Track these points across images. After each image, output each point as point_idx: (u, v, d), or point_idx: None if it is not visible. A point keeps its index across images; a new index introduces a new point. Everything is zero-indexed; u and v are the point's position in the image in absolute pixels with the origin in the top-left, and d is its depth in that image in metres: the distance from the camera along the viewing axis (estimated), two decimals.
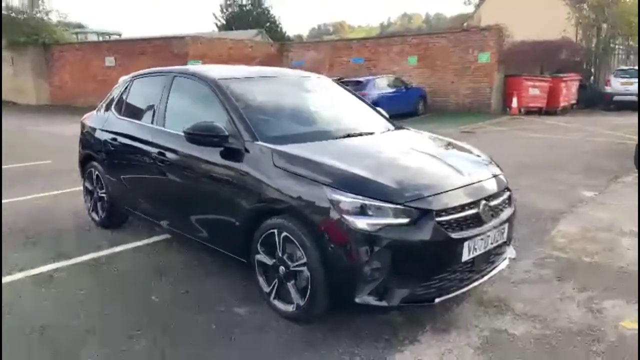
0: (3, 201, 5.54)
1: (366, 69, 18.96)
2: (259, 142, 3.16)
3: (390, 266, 2.65)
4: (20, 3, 24.17)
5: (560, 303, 3.28)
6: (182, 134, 3.37)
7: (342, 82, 14.11)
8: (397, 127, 4.05)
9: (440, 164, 3.13)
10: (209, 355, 2.70)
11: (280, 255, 2.96)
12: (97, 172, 4.65)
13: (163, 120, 3.89)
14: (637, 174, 6.84)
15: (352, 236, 2.64)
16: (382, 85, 15.51)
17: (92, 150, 4.75)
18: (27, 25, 22.95)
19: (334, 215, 2.68)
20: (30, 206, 5.59)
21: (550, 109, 16.75)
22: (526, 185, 6.27)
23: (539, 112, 16.74)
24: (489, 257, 3.07)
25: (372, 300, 2.70)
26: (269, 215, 3.00)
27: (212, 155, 3.33)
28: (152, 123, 3.99)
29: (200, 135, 3.25)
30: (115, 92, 4.74)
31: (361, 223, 2.63)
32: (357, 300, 2.69)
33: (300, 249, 2.82)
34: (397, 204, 2.67)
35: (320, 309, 2.86)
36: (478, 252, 2.91)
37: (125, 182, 4.30)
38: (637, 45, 22.41)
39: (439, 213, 2.73)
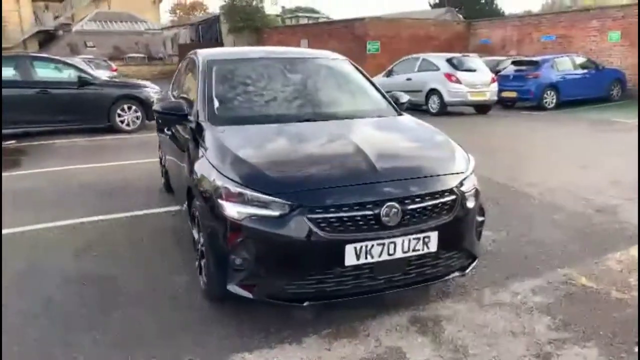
0: None
1: (558, 46, 16.61)
2: (205, 122, 3.30)
3: (256, 258, 2.56)
4: None
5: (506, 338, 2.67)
6: None
7: (516, 63, 13.18)
8: (398, 114, 3.72)
9: (358, 157, 2.80)
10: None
11: (197, 234, 3.07)
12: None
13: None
14: None
15: (224, 222, 2.61)
16: (564, 66, 13.46)
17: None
18: (244, 12, 26.31)
19: (215, 199, 2.68)
20: None
21: None
22: None
23: None
24: (402, 267, 2.67)
25: (240, 291, 2.64)
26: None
27: (185, 131, 3.58)
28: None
29: (164, 114, 3.53)
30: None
31: (231, 210, 2.58)
32: (228, 287, 2.66)
33: (199, 229, 2.89)
34: (267, 194, 2.53)
35: (215, 291, 2.89)
36: (375, 259, 2.57)
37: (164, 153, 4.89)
38: None
39: (314, 209, 2.50)
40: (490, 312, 2.95)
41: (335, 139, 3.07)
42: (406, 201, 2.62)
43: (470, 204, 2.89)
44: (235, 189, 2.59)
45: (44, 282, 3.37)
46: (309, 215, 2.48)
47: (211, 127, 3.22)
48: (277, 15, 31.02)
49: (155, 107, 3.59)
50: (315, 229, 2.48)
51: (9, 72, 9.47)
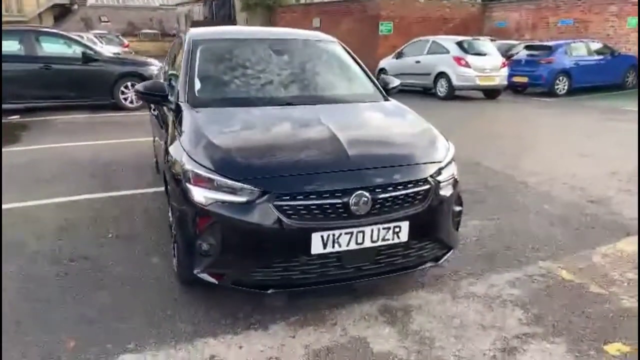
0: None
1: (575, 31, 16.17)
2: (184, 103, 3.25)
3: (222, 244, 2.53)
4: None
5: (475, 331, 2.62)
6: None
7: (528, 47, 12.87)
8: (385, 100, 3.65)
9: (331, 144, 2.73)
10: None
11: (171, 217, 3.06)
12: None
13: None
14: None
15: (192, 207, 2.58)
16: (578, 51, 13.12)
17: None
18: None
19: (184, 183, 2.64)
20: None
21: None
22: None
23: None
24: (371, 257, 2.63)
25: (206, 276, 2.62)
26: None
27: (166, 111, 3.55)
28: None
29: (144, 94, 3.48)
30: None
31: (199, 195, 2.54)
32: (195, 272, 2.64)
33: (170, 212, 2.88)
34: (234, 180, 2.49)
35: (185, 275, 2.88)
36: (343, 248, 2.52)
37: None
38: None
39: (281, 197, 2.45)
40: (463, 304, 2.91)
41: (311, 125, 3.00)
42: (377, 190, 2.55)
43: (446, 193, 2.82)
44: (202, 173, 2.55)
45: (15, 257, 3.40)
46: (275, 202, 2.44)
47: (189, 109, 3.17)
48: None
49: (137, 86, 3.54)
50: (281, 216, 2.43)
51: (14, 47, 9.49)
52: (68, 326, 2.63)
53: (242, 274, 2.57)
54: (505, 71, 12.10)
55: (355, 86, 3.80)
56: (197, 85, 3.42)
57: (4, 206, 4.35)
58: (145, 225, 4.05)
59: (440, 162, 2.85)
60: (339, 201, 2.49)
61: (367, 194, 2.52)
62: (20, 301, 2.88)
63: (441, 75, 12.11)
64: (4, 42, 9.58)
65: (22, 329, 2.60)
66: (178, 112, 3.21)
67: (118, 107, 9.84)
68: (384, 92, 3.77)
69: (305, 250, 2.48)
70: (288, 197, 2.46)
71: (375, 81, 3.83)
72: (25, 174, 5.46)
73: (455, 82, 11.82)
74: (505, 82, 12.23)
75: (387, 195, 2.58)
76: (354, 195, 2.50)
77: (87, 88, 9.72)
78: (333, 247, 2.51)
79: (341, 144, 2.72)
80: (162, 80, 3.65)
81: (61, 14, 40.89)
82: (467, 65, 11.69)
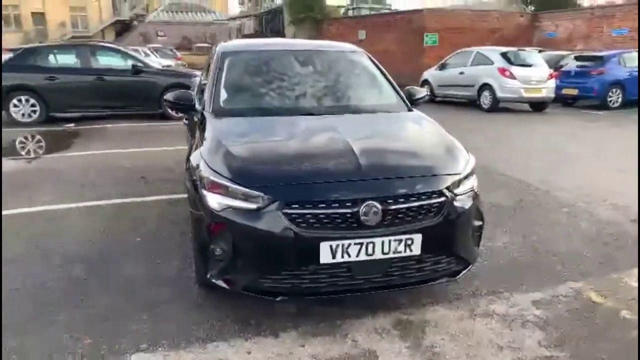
0: None
1: (630, 41, 15.45)
2: (209, 113, 3.36)
3: (234, 250, 2.56)
4: None
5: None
6: None
7: (579, 58, 12.41)
8: (408, 110, 3.63)
9: (344, 154, 2.73)
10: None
11: None
12: None
13: None
14: None
15: (205, 212, 2.64)
16: (633, 62, 12.48)
17: None
18: (304, 3, 26.43)
19: (200, 189, 2.71)
20: None
21: None
22: None
23: None
24: (383, 269, 2.59)
25: (219, 281, 2.67)
26: None
27: (193, 121, 3.67)
28: None
29: (173, 103, 3.61)
30: None
31: (212, 200, 2.60)
32: (208, 276, 2.70)
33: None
34: (245, 187, 2.53)
35: (200, 279, 2.93)
36: (353, 259, 2.51)
37: None
38: None
39: (291, 205, 2.47)
40: (481, 322, 2.81)
41: (327, 135, 3.00)
42: (388, 201, 2.53)
43: (464, 206, 2.74)
44: (216, 180, 2.61)
45: (40, 263, 3.57)
46: (285, 210, 2.46)
47: (212, 118, 3.27)
48: (339, 7, 30.88)
49: (167, 96, 3.68)
50: (290, 225, 2.45)
51: (70, 60, 10.12)
52: (87, 323, 2.74)
53: (252, 280, 2.59)
54: (552, 83, 11.70)
55: (378, 96, 3.79)
56: (223, 95, 3.51)
57: (40, 207, 4.61)
58: (172, 230, 4.16)
59: (458, 174, 2.78)
60: (349, 211, 2.48)
61: (377, 204, 2.49)
62: (47, 297, 3.02)
63: (485, 86, 11.85)
64: (63, 56, 10.27)
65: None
66: (202, 121, 3.31)
67: (165, 117, 10.21)
68: (408, 103, 3.73)
69: (314, 259, 2.48)
70: (297, 206, 2.47)
71: (400, 91, 3.81)
72: (64, 179, 5.74)
73: (500, 93, 11.52)
74: (553, 94, 11.81)
75: (399, 206, 2.55)
76: (364, 205, 2.48)
77: (136, 98, 10.16)
78: (342, 257, 2.49)
79: (354, 153, 2.71)
80: (191, 91, 3.76)
81: (122, 29, 43.10)
82: (512, 76, 11.38)
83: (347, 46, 4.38)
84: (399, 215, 2.55)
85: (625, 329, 2.75)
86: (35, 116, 9.50)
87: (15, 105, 9.38)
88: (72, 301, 2.98)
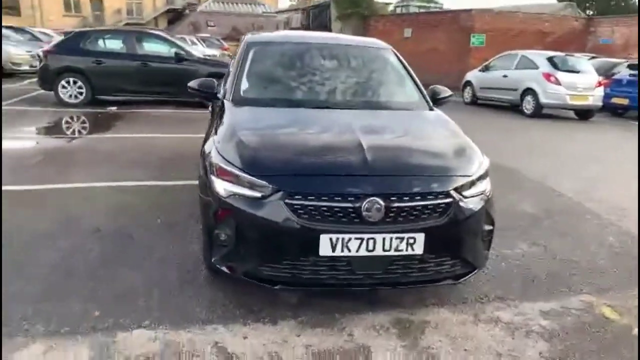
0: None
1: None
2: (229, 101, 3.42)
3: (237, 236, 2.61)
4: None
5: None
6: None
7: (631, 66, 11.85)
8: (430, 109, 3.60)
9: (352, 149, 2.73)
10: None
11: None
12: None
13: None
14: None
15: (213, 198, 2.70)
16: None
17: None
18: (352, 0, 26.31)
19: (209, 175, 2.77)
20: None
21: None
22: None
23: None
24: (383, 266, 2.58)
25: (222, 266, 2.72)
26: None
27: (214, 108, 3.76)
28: None
29: (196, 90, 3.70)
30: None
31: (219, 186, 2.66)
32: (213, 261, 2.76)
33: None
34: (251, 175, 2.57)
35: (207, 262, 2.99)
36: (353, 253, 2.51)
37: None
38: None
39: (293, 195, 2.49)
40: (483, 328, 2.76)
41: (340, 129, 3.01)
42: (392, 198, 2.51)
43: (473, 209, 2.69)
44: (225, 167, 2.66)
45: (64, 238, 3.73)
46: (287, 200, 2.48)
47: (231, 107, 3.33)
48: (387, 4, 30.61)
49: (190, 83, 3.77)
50: (291, 215, 2.47)
51: (117, 45, 10.47)
52: (99, 297, 2.86)
53: (253, 267, 2.63)
54: (600, 91, 11.21)
55: (400, 94, 3.76)
56: (244, 84, 3.57)
57: (73, 184, 4.81)
58: (192, 214, 4.25)
59: (469, 176, 2.73)
60: (351, 205, 2.48)
61: (380, 201, 2.48)
62: (69, 273, 3.17)
63: (528, 91, 11.47)
64: (110, 41, 10.62)
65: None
66: (222, 108, 3.38)
67: (204, 105, 10.39)
68: (430, 102, 3.68)
69: (314, 250, 2.49)
70: (300, 197, 2.49)
71: (423, 90, 3.76)
72: (101, 158, 5.97)
73: (543, 99, 11.14)
74: (600, 103, 11.32)
75: (403, 204, 2.53)
76: (366, 201, 2.48)
77: (177, 85, 10.32)
78: (342, 251, 2.50)
79: (362, 149, 2.71)
80: (214, 80, 3.83)
81: (175, 17, 44.30)
82: (557, 82, 10.97)
83: (375, 42, 4.35)
84: (402, 214, 2.54)
85: (635, 346, 2.63)
86: (81, 97, 9.88)
87: (63, 87, 9.78)
88: (89, 275, 3.12)
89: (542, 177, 6.00)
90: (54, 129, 7.92)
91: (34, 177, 5.06)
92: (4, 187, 4.54)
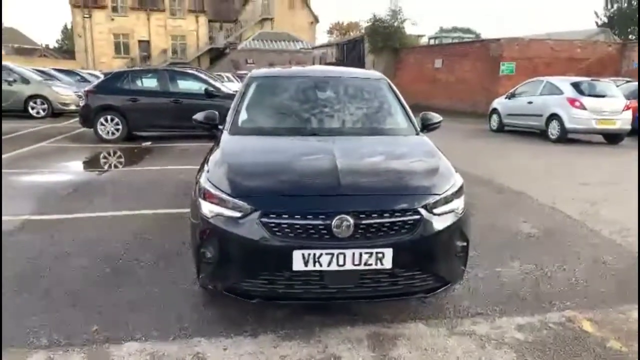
0: None
1: None
2: (227, 131, 3.73)
3: (219, 254, 2.83)
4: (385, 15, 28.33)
5: None
6: None
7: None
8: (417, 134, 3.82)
9: (327, 171, 2.94)
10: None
11: None
12: None
13: None
14: None
15: (200, 219, 2.93)
16: None
17: None
18: (384, 33, 26.84)
19: (198, 197, 3.02)
20: None
21: None
22: None
23: None
24: (354, 279, 2.74)
25: (208, 283, 2.95)
26: None
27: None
28: None
29: (199, 122, 4.03)
30: None
31: (205, 208, 2.91)
32: (200, 278, 2.99)
33: None
34: (230, 196, 2.81)
35: (202, 282, 3.22)
36: (324, 268, 2.69)
37: None
38: None
39: (268, 214, 2.71)
40: (456, 340, 2.86)
41: (320, 153, 3.21)
42: (361, 215, 2.69)
43: (442, 226, 2.83)
44: (211, 190, 2.91)
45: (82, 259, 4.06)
46: (262, 219, 2.70)
47: (227, 136, 3.62)
48: (419, 36, 31.02)
49: (195, 116, 4.11)
50: (265, 233, 2.68)
51: (152, 83, 11.18)
52: (100, 311, 3.14)
53: (234, 282, 2.84)
54: (629, 114, 10.99)
55: (388, 121, 3.96)
56: (243, 116, 3.89)
57: (100, 213, 5.21)
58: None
59: (437, 194, 2.88)
60: (322, 223, 2.67)
61: (349, 218, 2.66)
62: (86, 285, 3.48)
63: (553, 116, 11.38)
64: (145, 80, 11.35)
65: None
66: (220, 138, 3.68)
67: None
68: (418, 128, 3.87)
69: (288, 266, 2.68)
70: (274, 215, 2.70)
71: (412, 117, 3.95)
72: (126, 189, 6.41)
73: (568, 124, 11.02)
74: (629, 126, 11.08)
75: (371, 221, 2.70)
76: (336, 218, 2.66)
77: None
78: (314, 265, 2.67)
79: (337, 171, 2.91)
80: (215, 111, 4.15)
81: (217, 56, 46.38)
82: (582, 107, 10.85)
83: (371, 73, 4.61)
84: (371, 230, 2.70)
85: (608, 358, 2.66)
86: (117, 134, 10.55)
87: (102, 124, 10.49)
88: (95, 291, 3.42)
89: (549, 199, 6.04)
90: (88, 164, 8.51)
91: (62, 207, 5.52)
92: (32, 217, 5.00)
